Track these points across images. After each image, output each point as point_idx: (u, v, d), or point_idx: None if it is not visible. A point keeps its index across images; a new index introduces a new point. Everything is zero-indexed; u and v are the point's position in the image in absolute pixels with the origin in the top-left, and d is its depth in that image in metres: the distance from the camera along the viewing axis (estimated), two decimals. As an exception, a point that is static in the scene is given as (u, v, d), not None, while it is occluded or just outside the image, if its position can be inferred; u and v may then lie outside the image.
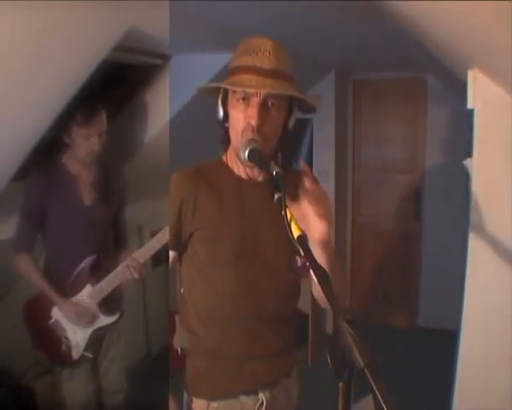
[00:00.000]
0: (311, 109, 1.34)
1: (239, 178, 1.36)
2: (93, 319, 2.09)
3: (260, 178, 1.35)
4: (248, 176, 1.36)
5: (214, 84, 1.29)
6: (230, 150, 1.36)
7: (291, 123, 1.30)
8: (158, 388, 1.88)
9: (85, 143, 2.00)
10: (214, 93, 1.31)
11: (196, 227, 1.35)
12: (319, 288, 1.21)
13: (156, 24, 1.73)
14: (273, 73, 1.20)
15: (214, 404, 1.41)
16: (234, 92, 1.24)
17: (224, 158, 1.39)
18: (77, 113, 1.94)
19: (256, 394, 1.43)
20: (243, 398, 1.43)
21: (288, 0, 1.79)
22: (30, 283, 2.07)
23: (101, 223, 2.16)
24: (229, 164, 1.37)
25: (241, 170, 1.36)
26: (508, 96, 1.72)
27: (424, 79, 4.25)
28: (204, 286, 1.40)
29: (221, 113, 1.30)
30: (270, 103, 1.22)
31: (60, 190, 2.05)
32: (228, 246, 1.34)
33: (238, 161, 1.30)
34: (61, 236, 2.09)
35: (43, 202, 2.02)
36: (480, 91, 1.76)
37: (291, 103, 1.28)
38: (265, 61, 1.21)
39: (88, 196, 2.11)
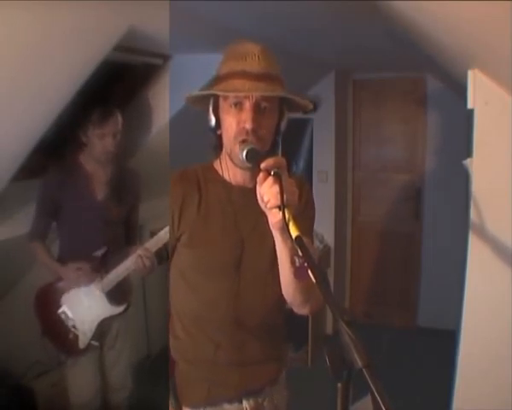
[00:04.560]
0: (304, 111, 1.34)
1: (229, 185, 1.35)
2: (91, 280, 2.13)
3: (251, 185, 1.31)
4: (239, 183, 1.34)
5: (205, 92, 1.27)
6: (222, 157, 1.35)
7: (283, 125, 1.30)
8: (158, 388, 1.88)
9: (100, 143, 2.09)
10: (203, 101, 1.30)
11: (182, 232, 1.34)
12: (286, 284, 1.21)
13: (156, 24, 1.73)
14: (264, 77, 1.20)
15: None
16: (226, 98, 1.23)
17: (216, 164, 1.38)
18: (92, 113, 2.03)
19: (240, 402, 1.42)
20: (226, 406, 1.42)
21: (288, 0, 1.79)
22: (42, 264, 2.23)
23: (113, 219, 2.24)
24: (221, 171, 1.36)
25: (232, 177, 1.34)
26: (508, 96, 1.72)
27: (424, 79, 4.24)
28: (187, 291, 1.39)
29: (213, 120, 1.28)
30: (263, 106, 1.21)
31: (75, 186, 2.16)
32: (213, 253, 1.34)
33: (232, 164, 1.29)
34: (75, 229, 2.19)
35: (59, 197, 2.13)
36: (480, 91, 1.75)
37: (282, 106, 1.28)
38: (255, 65, 1.20)
39: (101, 194, 2.21)
